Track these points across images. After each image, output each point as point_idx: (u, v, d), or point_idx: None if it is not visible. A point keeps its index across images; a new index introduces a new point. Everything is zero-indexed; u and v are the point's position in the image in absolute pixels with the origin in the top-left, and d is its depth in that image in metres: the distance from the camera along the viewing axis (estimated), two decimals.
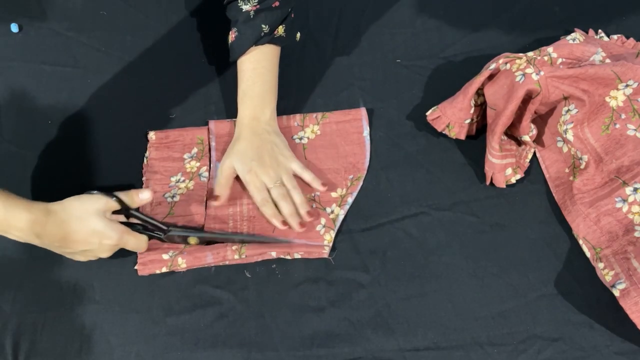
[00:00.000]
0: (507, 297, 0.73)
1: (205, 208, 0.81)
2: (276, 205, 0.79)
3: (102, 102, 0.90)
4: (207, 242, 0.78)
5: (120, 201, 0.72)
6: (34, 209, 0.67)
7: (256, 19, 0.80)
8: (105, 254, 0.73)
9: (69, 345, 0.73)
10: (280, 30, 0.82)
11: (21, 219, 0.66)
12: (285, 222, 0.77)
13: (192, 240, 0.77)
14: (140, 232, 0.75)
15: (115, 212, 0.73)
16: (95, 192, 0.72)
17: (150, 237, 0.76)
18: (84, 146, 0.87)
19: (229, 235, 0.78)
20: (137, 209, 0.76)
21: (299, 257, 0.76)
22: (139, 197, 0.75)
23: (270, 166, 0.79)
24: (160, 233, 0.76)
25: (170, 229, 0.76)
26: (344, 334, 0.72)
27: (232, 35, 0.82)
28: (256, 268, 0.77)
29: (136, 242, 0.74)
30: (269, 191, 0.79)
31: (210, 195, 0.81)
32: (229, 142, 0.84)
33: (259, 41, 0.81)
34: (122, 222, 0.73)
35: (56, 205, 0.69)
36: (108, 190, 0.73)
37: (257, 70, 0.82)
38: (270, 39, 0.81)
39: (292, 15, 0.84)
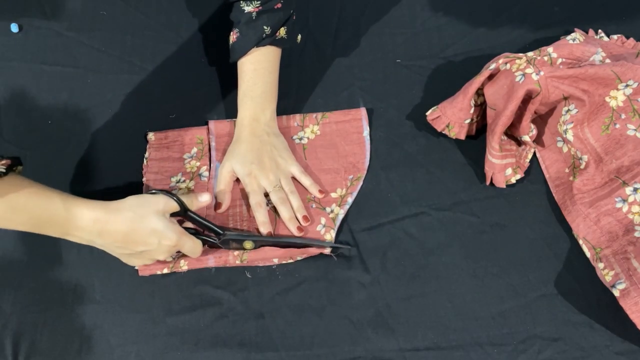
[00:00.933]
0: (507, 297, 0.73)
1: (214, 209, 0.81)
2: (274, 210, 0.79)
3: (102, 102, 0.90)
4: (260, 245, 0.77)
5: (180, 202, 0.72)
6: (96, 208, 0.67)
7: (258, 20, 0.80)
8: (163, 255, 0.72)
9: (69, 345, 0.73)
10: (282, 32, 0.82)
11: (83, 217, 0.66)
12: (270, 234, 0.77)
13: (248, 244, 0.75)
14: (196, 236, 0.74)
15: (173, 215, 0.72)
16: (156, 191, 0.72)
17: (204, 242, 0.75)
18: (84, 146, 0.86)
19: (281, 240, 0.77)
20: (194, 213, 0.75)
21: (300, 258, 0.76)
22: (198, 200, 0.74)
23: (270, 169, 0.79)
24: (216, 238, 0.75)
25: (225, 233, 0.76)
26: (344, 334, 0.72)
27: (233, 36, 0.82)
28: (256, 268, 0.77)
29: (193, 245, 0.72)
30: (267, 195, 0.79)
31: (212, 207, 0.81)
32: (228, 142, 0.84)
33: (260, 42, 0.80)
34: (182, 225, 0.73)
35: (117, 204, 0.68)
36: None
37: (258, 71, 0.82)
38: (271, 40, 0.81)
39: (294, 18, 0.84)
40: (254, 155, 0.79)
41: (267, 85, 0.82)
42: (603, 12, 0.93)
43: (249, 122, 0.81)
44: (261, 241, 0.76)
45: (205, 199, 0.75)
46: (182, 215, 0.73)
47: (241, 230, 0.79)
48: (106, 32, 0.96)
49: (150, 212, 0.69)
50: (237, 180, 0.82)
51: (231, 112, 0.87)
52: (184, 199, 0.73)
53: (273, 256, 0.76)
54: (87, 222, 0.66)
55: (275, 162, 0.80)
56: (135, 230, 0.68)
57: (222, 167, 0.81)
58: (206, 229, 0.76)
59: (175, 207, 0.71)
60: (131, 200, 0.69)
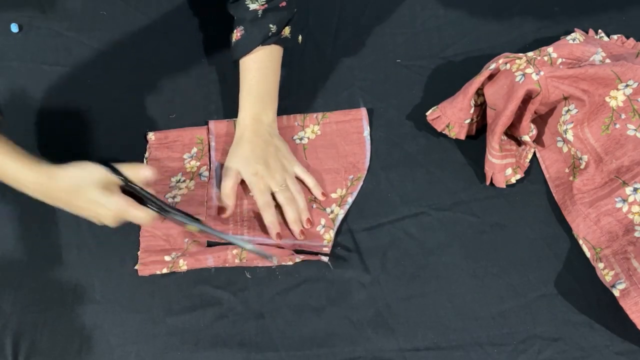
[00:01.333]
0: (507, 297, 0.73)
1: (207, 208, 0.81)
2: (279, 210, 0.78)
3: (102, 102, 0.90)
4: (206, 236, 0.76)
5: (120, 175, 0.70)
6: (41, 172, 0.69)
7: (264, 18, 0.80)
8: (109, 222, 0.71)
9: (69, 345, 0.73)
10: (287, 31, 0.81)
11: (28, 180, 0.69)
12: (279, 235, 0.77)
13: (191, 227, 0.74)
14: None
15: (124, 188, 0.71)
16: (97, 164, 0.70)
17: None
18: (84, 146, 0.86)
19: (229, 237, 0.77)
20: (138, 186, 0.72)
21: (300, 261, 0.76)
22: (139, 174, 0.72)
23: (276, 170, 0.79)
24: (163, 213, 0.73)
25: (173, 212, 0.73)
26: (344, 334, 0.72)
27: (237, 34, 0.81)
28: (256, 269, 0.77)
29: (141, 215, 0.71)
30: (273, 195, 0.79)
31: (213, 208, 0.81)
32: (228, 142, 0.84)
33: (266, 41, 0.80)
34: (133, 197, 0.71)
35: (60, 171, 0.69)
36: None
37: (262, 70, 0.81)
38: (276, 39, 0.80)
39: (296, 17, 0.84)
40: (259, 155, 0.79)
41: (270, 84, 0.82)
42: (603, 12, 0.93)
43: (251, 122, 0.81)
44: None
45: (146, 173, 0.71)
46: (128, 187, 0.71)
47: (237, 232, 0.79)
48: (106, 32, 0.96)
49: (88, 183, 0.69)
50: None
51: (231, 112, 0.87)
52: (127, 171, 0.71)
53: (271, 253, 0.75)
54: (31, 185, 0.69)
55: (280, 163, 0.80)
56: (75, 199, 0.70)
57: (226, 169, 0.80)
58: (150, 203, 0.73)
59: (115, 180, 0.70)
60: (73, 171, 0.69)
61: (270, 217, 0.77)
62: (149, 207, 0.72)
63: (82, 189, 0.69)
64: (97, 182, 0.69)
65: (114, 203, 0.69)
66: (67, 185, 0.69)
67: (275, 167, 0.79)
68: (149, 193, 0.72)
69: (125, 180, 0.71)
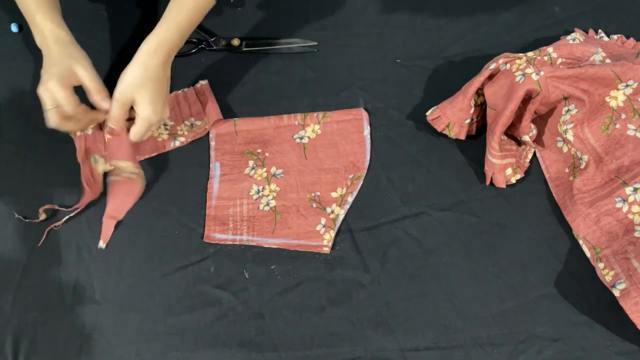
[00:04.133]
0: (507, 297, 0.73)
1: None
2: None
3: None
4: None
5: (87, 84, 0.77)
6: (51, 35, 0.77)
7: None
8: (44, 103, 0.76)
9: (69, 345, 0.73)
10: None
11: (37, 34, 0.79)
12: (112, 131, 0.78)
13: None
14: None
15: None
16: (84, 65, 0.77)
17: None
18: None
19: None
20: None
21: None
22: (98, 100, 0.78)
23: (164, 117, 0.80)
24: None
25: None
26: (344, 334, 0.72)
27: None
28: (255, 269, 0.77)
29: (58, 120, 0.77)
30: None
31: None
32: (229, 142, 0.84)
33: None
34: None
35: (55, 47, 0.77)
36: None
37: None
38: None
39: None
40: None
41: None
42: (603, 12, 0.93)
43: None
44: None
45: (103, 105, 0.78)
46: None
47: (236, 232, 0.79)
48: (106, 32, 0.96)
49: (59, 71, 0.75)
50: (237, 181, 0.82)
51: (231, 112, 0.87)
52: (91, 85, 0.77)
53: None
54: (38, 40, 0.79)
55: None
56: (44, 73, 0.76)
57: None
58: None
59: (74, 81, 0.76)
60: (61, 55, 0.77)
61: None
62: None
63: (52, 68, 0.75)
64: (61, 76, 0.74)
65: (57, 96, 0.74)
66: (50, 62, 0.76)
67: (167, 112, 0.80)
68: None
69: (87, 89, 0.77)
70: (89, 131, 0.83)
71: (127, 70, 0.76)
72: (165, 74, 0.79)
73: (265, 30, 0.95)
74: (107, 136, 0.79)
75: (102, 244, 0.78)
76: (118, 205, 0.80)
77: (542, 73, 0.74)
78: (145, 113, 0.76)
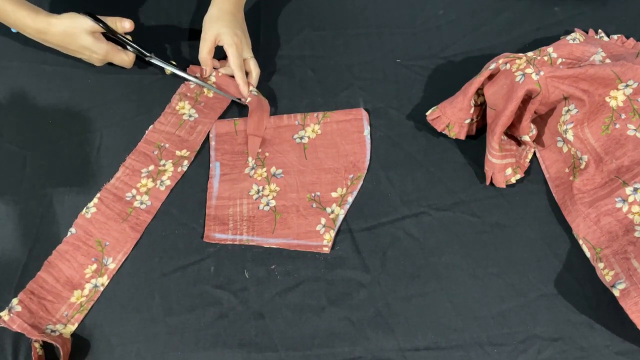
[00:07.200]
0: (507, 297, 0.73)
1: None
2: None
3: (102, 102, 0.90)
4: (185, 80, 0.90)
5: (105, 26, 0.85)
6: (38, 21, 0.83)
7: None
8: (97, 63, 0.89)
9: (69, 345, 0.73)
10: None
11: (28, 26, 0.83)
12: (248, 86, 0.86)
13: (169, 71, 0.90)
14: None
15: (106, 35, 0.86)
16: (85, 15, 0.83)
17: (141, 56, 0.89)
18: (84, 146, 0.87)
19: (203, 83, 0.89)
20: (120, 34, 0.87)
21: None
22: (121, 25, 0.87)
23: (249, 42, 0.88)
24: (143, 56, 0.89)
25: (152, 56, 0.89)
26: (344, 334, 0.72)
27: None
28: (255, 269, 0.77)
29: (123, 58, 0.88)
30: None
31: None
32: (228, 142, 0.84)
33: None
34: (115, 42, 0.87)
35: (55, 20, 0.83)
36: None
37: None
38: None
39: None
40: (240, 25, 0.87)
41: None
42: (603, 12, 0.93)
43: (235, 3, 0.88)
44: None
45: (126, 25, 0.87)
46: (112, 36, 0.87)
47: (236, 232, 0.79)
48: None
49: (80, 31, 0.83)
50: (237, 180, 0.82)
51: (231, 112, 0.87)
52: (110, 22, 0.86)
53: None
54: (31, 31, 0.84)
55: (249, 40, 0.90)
56: (69, 44, 0.85)
57: (204, 32, 0.86)
58: (134, 49, 0.89)
59: (100, 29, 0.85)
60: (66, 20, 0.83)
61: (242, 76, 0.86)
62: (129, 50, 0.88)
63: (74, 36, 0.84)
64: (87, 30, 0.83)
65: (101, 48, 0.85)
66: (62, 32, 0.83)
67: (249, 40, 0.88)
68: (129, 40, 0.88)
69: (108, 28, 0.85)
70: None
71: (205, 15, 0.87)
72: (239, 11, 0.89)
73: (264, 30, 0.95)
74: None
75: (251, 161, 0.84)
76: (256, 123, 0.86)
77: (542, 73, 0.74)
78: (229, 39, 0.84)
